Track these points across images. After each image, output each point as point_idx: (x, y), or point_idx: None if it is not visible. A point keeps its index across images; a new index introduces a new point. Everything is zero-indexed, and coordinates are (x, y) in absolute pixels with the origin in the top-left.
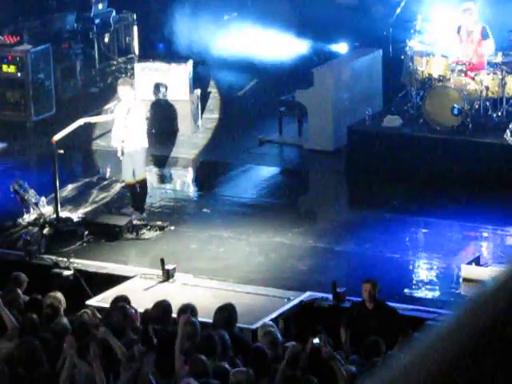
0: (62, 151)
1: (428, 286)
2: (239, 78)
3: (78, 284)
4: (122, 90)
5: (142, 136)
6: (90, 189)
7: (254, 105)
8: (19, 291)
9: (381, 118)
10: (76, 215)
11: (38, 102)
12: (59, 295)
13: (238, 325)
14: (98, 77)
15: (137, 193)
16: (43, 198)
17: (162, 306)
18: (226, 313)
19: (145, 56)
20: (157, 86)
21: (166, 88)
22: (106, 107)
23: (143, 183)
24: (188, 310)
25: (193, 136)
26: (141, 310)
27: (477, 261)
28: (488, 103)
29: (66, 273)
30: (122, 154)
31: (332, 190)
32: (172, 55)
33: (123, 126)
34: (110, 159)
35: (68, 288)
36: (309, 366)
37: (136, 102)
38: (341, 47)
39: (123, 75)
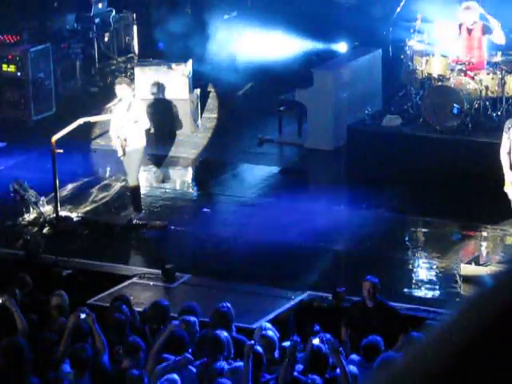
0: (61, 150)
1: (428, 286)
2: (239, 78)
3: (77, 283)
4: (120, 89)
5: (140, 134)
6: (90, 188)
7: (253, 104)
8: (17, 292)
9: (380, 117)
10: (76, 215)
11: (38, 102)
12: (65, 295)
13: (238, 324)
14: (98, 76)
15: (132, 196)
16: (43, 198)
17: (159, 306)
18: (223, 313)
19: (144, 55)
20: (157, 86)
21: (164, 87)
22: (106, 106)
23: (133, 189)
24: (190, 312)
25: (192, 135)
26: (140, 309)
27: (476, 260)
28: (488, 103)
29: (66, 272)
30: (124, 154)
31: (332, 190)
32: (172, 54)
33: (123, 123)
34: (110, 159)
35: (68, 287)
36: (309, 366)
37: (136, 99)
38: (340, 47)
39: (123, 74)
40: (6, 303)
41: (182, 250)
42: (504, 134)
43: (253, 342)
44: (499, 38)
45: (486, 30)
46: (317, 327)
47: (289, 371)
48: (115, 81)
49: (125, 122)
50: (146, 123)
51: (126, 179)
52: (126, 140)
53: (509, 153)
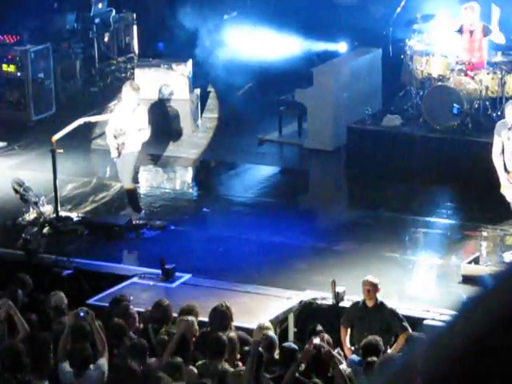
0: (61, 150)
1: (428, 286)
2: (239, 78)
3: (77, 283)
4: (125, 91)
5: (138, 140)
6: (90, 188)
7: (253, 104)
8: (19, 292)
9: (380, 117)
10: (76, 214)
11: (38, 102)
12: (62, 295)
13: (238, 324)
14: (98, 76)
15: (129, 199)
16: (43, 198)
17: (162, 306)
18: (222, 313)
19: (144, 55)
20: (157, 86)
21: (164, 87)
22: (106, 106)
23: (129, 192)
24: (190, 312)
25: (193, 135)
26: (140, 309)
27: (476, 260)
28: (488, 103)
29: (66, 272)
30: (119, 155)
31: (332, 190)
32: (172, 54)
33: (125, 127)
34: (110, 159)
35: (67, 288)
36: (310, 366)
37: (141, 107)
38: (341, 47)
39: (123, 75)
40: (4, 307)
41: (182, 250)
42: (495, 136)
43: (259, 339)
44: (499, 37)
45: (487, 32)
46: (319, 327)
47: (294, 373)
48: (125, 83)
49: (127, 126)
50: (147, 134)
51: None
52: (123, 144)
53: (501, 154)
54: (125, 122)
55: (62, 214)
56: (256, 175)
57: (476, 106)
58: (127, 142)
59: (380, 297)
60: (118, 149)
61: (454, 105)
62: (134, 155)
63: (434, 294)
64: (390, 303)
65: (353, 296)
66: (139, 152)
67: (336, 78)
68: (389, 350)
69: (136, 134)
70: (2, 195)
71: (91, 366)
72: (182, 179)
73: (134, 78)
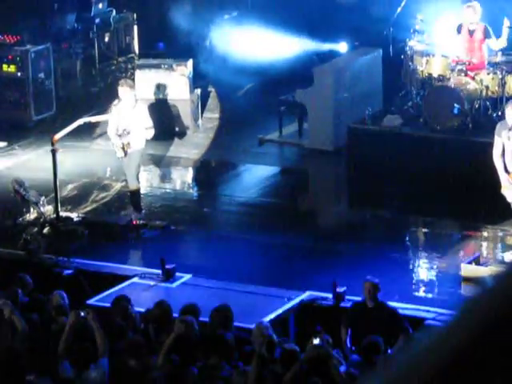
0: (61, 150)
1: (428, 286)
2: (239, 78)
3: (77, 284)
4: (122, 91)
5: (143, 138)
6: (90, 188)
7: (253, 104)
8: (19, 291)
9: (381, 117)
10: (76, 214)
11: (38, 102)
12: (64, 294)
13: (238, 324)
14: (98, 76)
15: (132, 199)
16: (43, 198)
17: (162, 307)
18: (223, 314)
19: (145, 55)
20: (157, 86)
21: (164, 87)
22: (107, 107)
23: (132, 192)
24: (191, 312)
25: (193, 135)
26: (141, 309)
27: (476, 260)
28: (488, 103)
29: (66, 272)
30: (125, 155)
31: (332, 190)
32: (172, 54)
33: (129, 127)
34: (110, 159)
35: (68, 288)
36: (309, 366)
37: (141, 104)
38: (341, 47)
39: (123, 75)
40: (4, 307)
41: (182, 250)
42: (496, 136)
43: (262, 339)
44: (496, 44)
45: (487, 34)
46: (318, 327)
47: (296, 373)
48: (119, 82)
49: (130, 125)
50: (152, 132)
51: (126, 180)
52: (129, 143)
53: (502, 155)
54: (127, 121)
55: (62, 214)
56: (256, 175)
57: (476, 106)
58: (132, 141)
59: (380, 297)
60: (123, 148)
61: (455, 105)
62: (139, 153)
63: (434, 294)
64: (391, 303)
65: (353, 296)
66: (143, 149)
67: (336, 78)
68: (389, 350)
69: (140, 132)
70: (2, 195)
71: (92, 366)
72: (183, 179)
73: (134, 78)
